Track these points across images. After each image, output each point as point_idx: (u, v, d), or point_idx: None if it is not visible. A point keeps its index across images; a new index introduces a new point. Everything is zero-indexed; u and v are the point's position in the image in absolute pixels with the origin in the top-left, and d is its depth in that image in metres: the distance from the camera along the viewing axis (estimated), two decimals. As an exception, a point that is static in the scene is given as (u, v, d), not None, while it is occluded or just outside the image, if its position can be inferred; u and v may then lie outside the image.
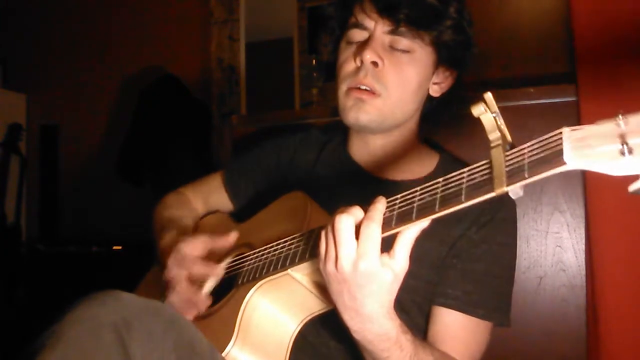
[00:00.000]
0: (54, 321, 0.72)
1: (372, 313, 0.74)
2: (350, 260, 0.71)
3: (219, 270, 0.97)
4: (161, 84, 2.60)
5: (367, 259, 0.70)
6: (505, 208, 1.04)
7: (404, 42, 1.01)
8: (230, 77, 2.75)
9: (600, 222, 1.35)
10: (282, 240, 0.90)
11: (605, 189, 1.33)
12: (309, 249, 0.83)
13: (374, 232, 0.70)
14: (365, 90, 1.01)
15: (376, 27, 1.01)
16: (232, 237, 1.01)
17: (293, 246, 0.87)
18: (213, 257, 0.99)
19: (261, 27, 2.81)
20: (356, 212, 0.72)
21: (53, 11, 3.05)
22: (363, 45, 1.02)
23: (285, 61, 2.72)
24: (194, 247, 0.97)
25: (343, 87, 1.04)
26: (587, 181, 1.37)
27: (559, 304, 1.41)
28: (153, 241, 1.14)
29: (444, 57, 1.06)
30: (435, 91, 1.09)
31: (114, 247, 2.44)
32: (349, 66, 1.04)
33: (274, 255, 0.90)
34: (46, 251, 2.55)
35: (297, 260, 0.83)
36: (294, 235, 0.88)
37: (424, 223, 0.70)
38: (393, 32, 1.01)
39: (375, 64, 1.00)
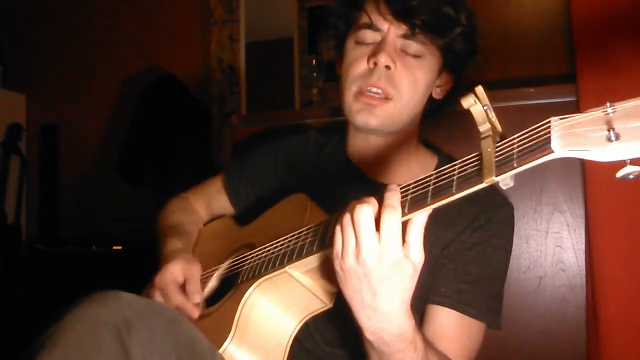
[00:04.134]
0: (54, 321, 0.72)
1: (392, 310, 0.71)
2: (373, 251, 0.67)
3: (212, 280, 1.00)
4: (161, 84, 2.60)
5: (392, 249, 0.67)
6: (502, 210, 1.03)
7: (415, 47, 1.01)
8: (230, 77, 2.75)
9: (600, 222, 1.35)
10: (281, 238, 0.90)
11: (605, 189, 1.33)
12: (306, 245, 0.83)
13: (395, 220, 0.67)
14: (376, 94, 1.00)
15: (390, 30, 1.01)
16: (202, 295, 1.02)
17: (291, 244, 0.87)
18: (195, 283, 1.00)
19: (261, 27, 2.81)
20: (374, 202, 0.70)
21: (53, 11, 3.05)
22: (377, 47, 1.01)
23: (285, 61, 2.72)
24: (177, 273, 0.98)
25: (352, 88, 1.03)
26: (587, 181, 1.37)
27: (559, 304, 1.41)
28: (157, 247, 1.14)
29: (449, 63, 1.06)
30: (437, 93, 1.10)
31: (114, 247, 2.44)
32: (360, 67, 1.03)
33: (272, 253, 0.90)
34: (46, 251, 2.55)
35: (294, 258, 0.84)
36: (292, 234, 0.89)
37: (425, 213, 0.69)
38: (406, 36, 1.00)
39: (388, 67, 1.00)
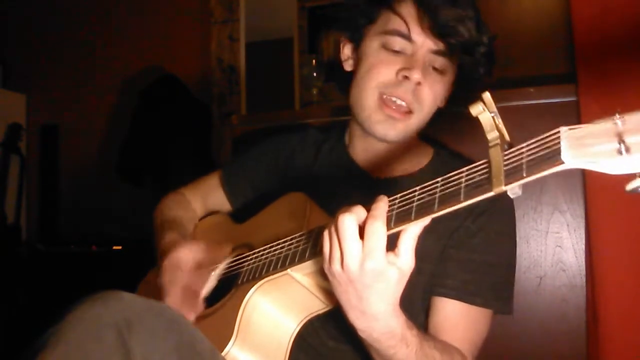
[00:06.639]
0: (55, 321, 0.72)
1: (379, 312, 0.74)
2: (356, 259, 0.70)
3: (210, 280, 0.99)
4: (161, 84, 2.60)
5: (374, 258, 0.70)
6: (501, 199, 1.04)
7: (440, 62, 1.03)
8: (230, 77, 2.75)
9: (600, 222, 1.35)
10: (282, 240, 0.90)
11: (605, 189, 1.33)
12: (309, 248, 0.83)
13: (378, 230, 0.69)
14: (400, 107, 1.01)
15: (425, 44, 1.01)
16: (225, 250, 1.02)
17: (293, 246, 0.87)
18: (207, 264, 1.00)
19: (261, 27, 2.81)
20: (358, 211, 0.72)
21: (53, 11, 3.05)
22: (410, 61, 1.00)
23: (285, 61, 2.72)
24: (188, 254, 0.98)
25: (375, 94, 1.03)
26: (587, 181, 1.37)
27: (559, 304, 1.41)
28: (153, 241, 1.14)
29: (462, 78, 1.08)
30: (442, 103, 1.11)
31: (114, 247, 2.44)
32: (386, 75, 1.02)
33: (274, 255, 0.90)
34: (46, 251, 2.55)
35: (296, 260, 0.84)
36: (293, 236, 0.88)
37: (425, 222, 0.70)
38: (439, 52, 1.01)
39: (419, 83, 1.01)
